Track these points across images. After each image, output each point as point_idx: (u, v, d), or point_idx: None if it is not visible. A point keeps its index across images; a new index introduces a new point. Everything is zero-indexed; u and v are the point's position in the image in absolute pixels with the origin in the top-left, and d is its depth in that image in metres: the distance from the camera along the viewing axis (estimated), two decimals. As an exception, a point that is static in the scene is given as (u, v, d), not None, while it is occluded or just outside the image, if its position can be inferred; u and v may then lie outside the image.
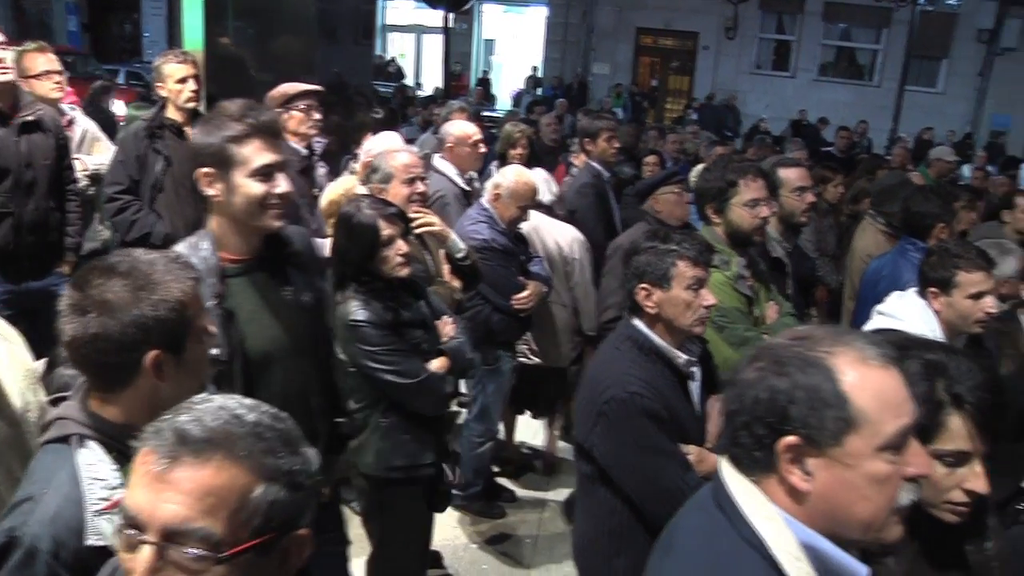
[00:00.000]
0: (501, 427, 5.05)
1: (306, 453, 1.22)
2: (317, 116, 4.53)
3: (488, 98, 17.89)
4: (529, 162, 6.14)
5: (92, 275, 1.57)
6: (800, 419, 1.28)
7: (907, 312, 3.08)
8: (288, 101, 4.43)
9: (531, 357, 4.80)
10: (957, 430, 1.68)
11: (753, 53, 21.60)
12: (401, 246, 2.96)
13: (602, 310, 4.66)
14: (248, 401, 1.22)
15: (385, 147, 4.31)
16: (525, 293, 4.32)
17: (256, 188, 2.28)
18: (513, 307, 4.31)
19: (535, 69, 21.47)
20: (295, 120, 4.43)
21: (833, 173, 6.53)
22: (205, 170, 2.30)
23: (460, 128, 5.01)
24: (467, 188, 4.93)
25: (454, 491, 4.62)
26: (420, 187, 3.65)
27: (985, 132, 20.01)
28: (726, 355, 3.02)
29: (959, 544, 1.83)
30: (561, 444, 5.36)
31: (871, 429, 1.28)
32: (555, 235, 4.73)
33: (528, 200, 4.35)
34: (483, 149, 5.06)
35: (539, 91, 20.21)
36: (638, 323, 2.58)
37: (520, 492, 5.07)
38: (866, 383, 1.28)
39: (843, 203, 6.45)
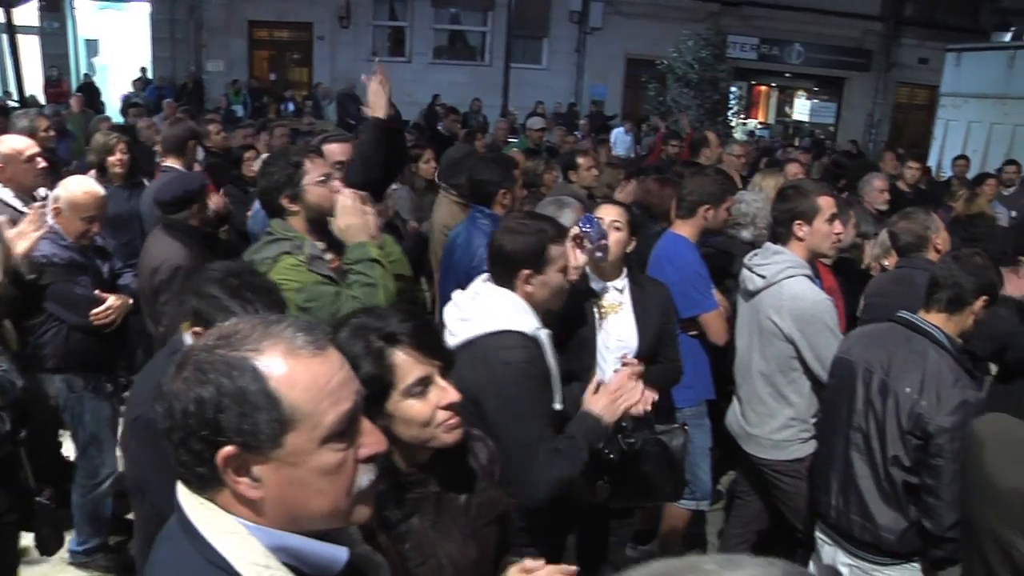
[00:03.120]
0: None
1: None
2: None
3: (94, 105, 16.27)
4: (132, 168, 5.79)
5: None
6: (233, 428, 1.19)
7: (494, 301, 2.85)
8: None
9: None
10: (405, 362, 1.81)
11: (369, 41, 21.78)
12: None
13: None
14: None
15: None
16: (102, 307, 4.02)
17: None
18: (92, 323, 4.00)
19: (144, 70, 19.93)
20: None
21: (423, 149, 6.68)
22: None
23: (9, 145, 4.47)
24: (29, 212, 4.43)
25: (76, 548, 4.21)
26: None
27: (587, 102, 22.10)
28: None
29: (472, 485, 1.98)
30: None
31: (310, 423, 1.22)
32: None
33: (94, 210, 4.05)
34: (42, 164, 4.54)
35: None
36: (187, 338, 2.48)
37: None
38: (296, 377, 1.22)
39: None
